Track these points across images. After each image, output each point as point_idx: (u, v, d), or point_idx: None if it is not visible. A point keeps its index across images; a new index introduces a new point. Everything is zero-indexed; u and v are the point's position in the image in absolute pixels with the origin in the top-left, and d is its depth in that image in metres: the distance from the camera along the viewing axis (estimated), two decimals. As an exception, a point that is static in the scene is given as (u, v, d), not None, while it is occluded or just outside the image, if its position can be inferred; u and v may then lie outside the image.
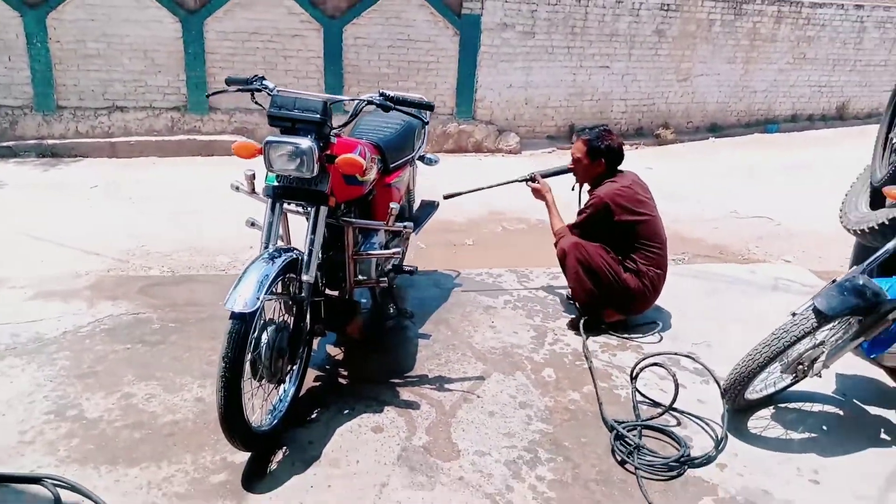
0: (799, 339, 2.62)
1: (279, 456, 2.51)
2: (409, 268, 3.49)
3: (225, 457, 2.48)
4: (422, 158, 3.90)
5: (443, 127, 8.79)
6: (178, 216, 5.70)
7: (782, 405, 3.02)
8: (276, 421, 2.57)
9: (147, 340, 3.26)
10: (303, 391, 2.83)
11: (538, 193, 3.83)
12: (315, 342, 2.97)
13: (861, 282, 2.60)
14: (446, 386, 3.02)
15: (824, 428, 2.91)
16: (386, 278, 3.16)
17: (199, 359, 3.11)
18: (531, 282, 4.20)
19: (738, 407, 2.89)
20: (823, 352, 2.73)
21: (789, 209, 6.50)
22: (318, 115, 2.56)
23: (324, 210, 2.67)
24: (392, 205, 2.94)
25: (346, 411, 2.80)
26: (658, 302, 3.72)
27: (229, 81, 2.87)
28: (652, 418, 2.85)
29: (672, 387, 2.86)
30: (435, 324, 3.57)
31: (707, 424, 2.84)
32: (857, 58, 11.13)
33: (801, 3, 10.49)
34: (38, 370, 2.96)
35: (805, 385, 3.00)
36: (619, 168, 3.65)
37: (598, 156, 3.56)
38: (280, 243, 2.72)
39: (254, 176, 2.90)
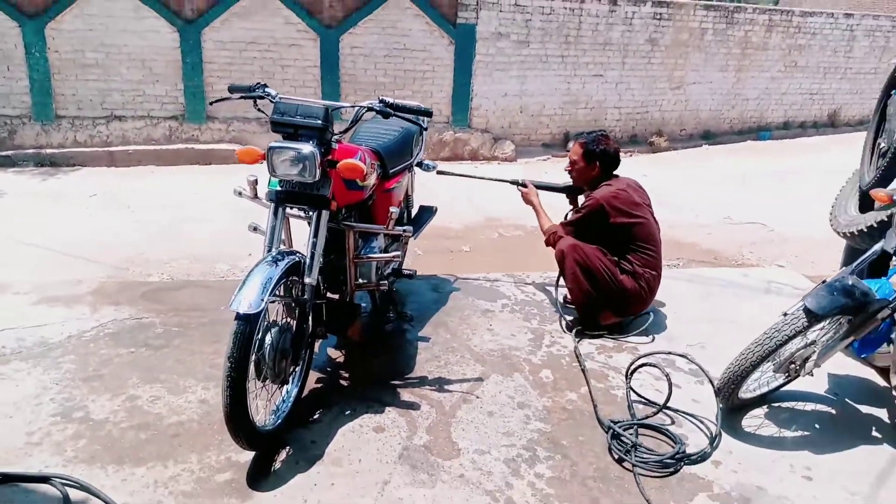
0: (790, 339, 2.68)
1: (283, 455, 2.56)
2: (409, 271, 3.56)
3: (230, 456, 2.52)
4: (420, 165, 3.96)
5: (439, 135, 8.87)
6: (177, 224, 5.75)
7: (775, 404, 3.08)
8: (279, 421, 2.62)
9: (151, 344, 3.31)
10: (305, 392, 2.88)
11: (526, 197, 4.01)
12: (316, 345, 3.02)
13: (850, 282, 2.66)
14: (446, 387, 3.07)
15: (817, 426, 2.96)
16: (386, 282, 3.21)
17: (202, 362, 3.16)
18: (528, 286, 4.26)
19: (733, 406, 2.95)
20: (815, 351, 2.79)
21: (782, 215, 6.59)
22: (320, 122, 2.62)
23: (325, 214, 2.73)
24: (392, 209, 3.01)
25: (347, 412, 2.85)
26: (653, 305, 3.79)
27: (232, 89, 2.92)
28: (647, 417, 2.90)
29: (667, 387, 2.92)
30: (434, 327, 3.62)
31: (701, 422, 2.90)
32: (848, 66, 11.28)
33: (791, 12, 10.65)
34: (44, 373, 3.00)
35: (798, 385, 3.06)
36: (616, 173, 3.72)
37: (594, 159, 3.65)
38: (282, 247, 2.77)
39: (256, 181, 2.95)
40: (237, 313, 2.28)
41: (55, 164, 7.69)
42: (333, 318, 2.98)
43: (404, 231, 3.17)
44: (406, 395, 3.00)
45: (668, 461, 2.62)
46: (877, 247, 2.90)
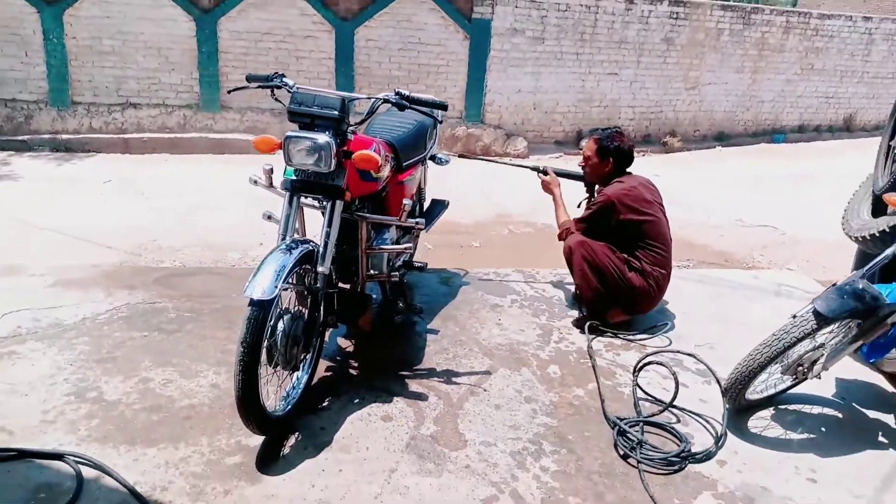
0: (799, 341, 2.69)
1: (292, 441, 2.59)
2: (419, 264, 3.58)
3: (240, 440, 2.56)
4: (433, 158, 3.98)
5: (451, 130, 8.88)
6: (190, 212, 5.80)
7: (782, 406, 3.08)
8: (289, 407, 2.65)
9: (163, 328, 3.35)
10: (315, 380, 2.91)
11: (547, 186, 3.96)
12: (327, 333, 3.05)
13: (861, 286, 2.66)
14: (454, 379, 3.10)
15: (823, 429, 2.97)
16: (396, 273, 3.24)
17: (214, 347, 3.20)
18: (538, 282, 4.27)
19: (739, 407, 2.95)
20: (823, 354, 2.79)
21: (794, 218, 6.57)
22: (337, 112, 2.65)
23: (340, 204, 2.75)
24: (405, 201, 3.03)
25: (356, 400, 2.88)
26: (662, 304, 3.79)
27: (250, 78, 2.95)
28: (653, 415, 2.92)
29: (674, 385, 2.93)
30: (443, 320, 3.65)
31: (707, 422, 2.91)
32: (865, 69, 11.19)
33: (809, 13, 10.57)
34: (59, 354, 3.05)
35: (805, 388, 3.07)
36: (629, 170, 3.73)
37: (608, 155, 3.66)
38: (296, 236, 2.80)
39: (272, 170, 2.98)
40: (251, 299, 2.32)
41: (70, 150, 7.75)
42: (344, 307, 3.01)
43: (416, 223, 3.19)
44: (414, 385, 3.02)
45: (674, 459, 2.64)
46: (889, 251, 2.89)
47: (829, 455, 2.78)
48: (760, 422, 2.97)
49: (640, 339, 3.60)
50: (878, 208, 3.74)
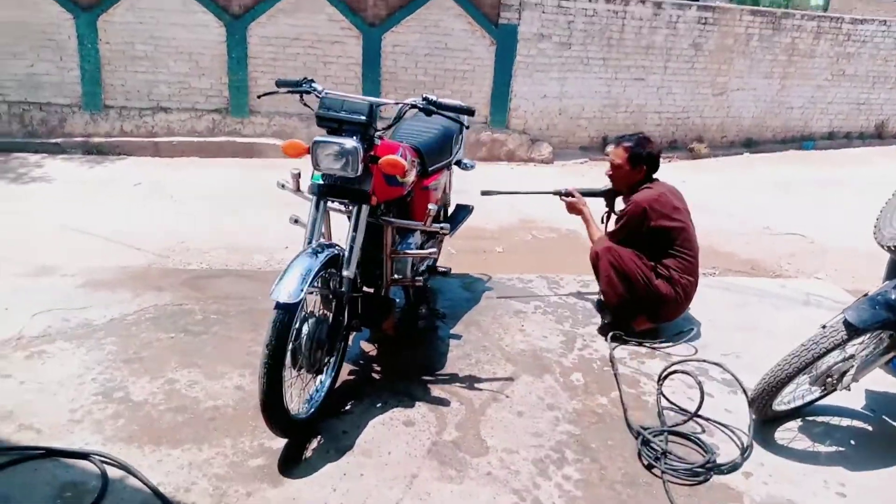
0: (828, 352, 2.64)
1: (314, 444, 2.61)
2: (443, 269, 3.59)
3: (263, 442, 2.58)
4: (459, 163, 3.98)
5: (476, 135, 8.88)
6: (217, 215, 5.87)
7: (810, 418, 3.03)
8: (312, 410, 2.67)
9: (190, 330, 3.39)
10: (338, 383, 2.92)
11: (573, 208, 3.87)
12: (350, 337, 3.06)
13: (893, 296, 2.61)
14: (476, 385, 3.09)
15: (852, 442, 2.91)
16: (420, 278, 3.25)
17: (239, 349, 3.23)
18: (562, 288, 4.25)
19: (766, 418, 2.91)
20: (853, 365, 2.74)
21: (823, 227, 6.46)
22: (364, 117, 2.67)
23: (366, 209, 2.77)
24: (430, 206, 3.04)
25: (378, 405, 2.89)
26: (687, 312, 3.75)
27: (280, 84, 2.99)
28: (677, 425, 2.88)
29: (699, 395, 2.89)
30: (466, 325, 3.65)
31: (733, 433, 2.87)
32: (899, 76, 10.98)
33: (841, 18, 10.40)
34: (87, 354, 3.11)
35: (833, 399, 3.01)
36: (655, 176, 3.69)
37: (640, 162, 3.60)
38: (322, 240, 2.82)
39: (299, 174, 3.01)
40: (277, 302, 2.34)
41: (102, 153, 7.89)
42: (368, 311, 3.02)
43: (441, 228, 3.19)
44: (436, 390, 3.03)
45: (698, 470, 2.61)
46: (922, 261, 2.84)
47: (858, 469, 2.72)
48: (788, 433, 2.92)
49: (665, 347, 3.56)
50: (912, 218, 3.66)
